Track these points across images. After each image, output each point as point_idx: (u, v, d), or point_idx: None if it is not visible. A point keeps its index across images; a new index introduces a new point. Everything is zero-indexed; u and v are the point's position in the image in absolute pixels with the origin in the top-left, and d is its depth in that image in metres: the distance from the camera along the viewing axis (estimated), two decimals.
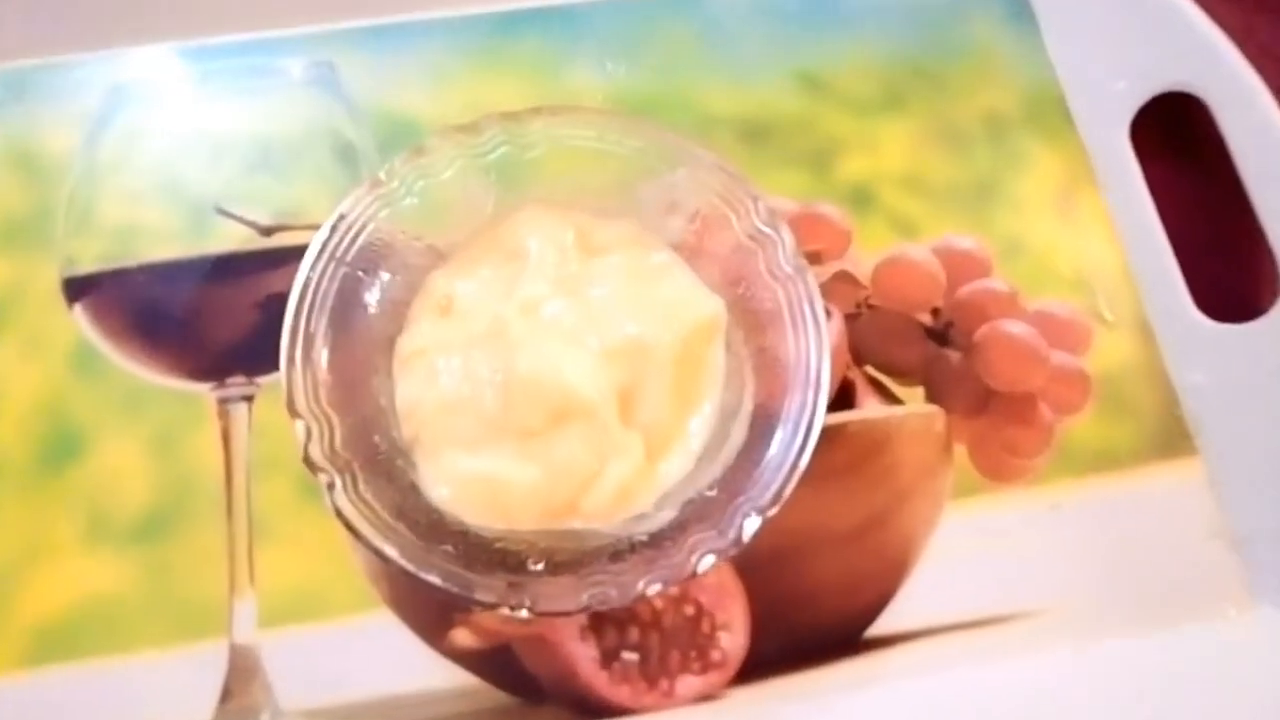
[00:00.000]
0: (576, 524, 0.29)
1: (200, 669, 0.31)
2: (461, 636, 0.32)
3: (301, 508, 0.33)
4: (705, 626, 0.32)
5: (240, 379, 0.34)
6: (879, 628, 0.33)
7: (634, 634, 0.32)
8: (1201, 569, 0.34)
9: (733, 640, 0.32)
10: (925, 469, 0.34)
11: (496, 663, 0.32)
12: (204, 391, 0.34)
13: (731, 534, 0.27)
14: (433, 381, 0.29)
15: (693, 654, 0.32)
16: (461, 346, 0.29)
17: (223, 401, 0.34)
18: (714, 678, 0.32)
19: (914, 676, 0.32)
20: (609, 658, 0.32)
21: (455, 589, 0.27)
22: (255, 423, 0.34)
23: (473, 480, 0.28)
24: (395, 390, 0.30)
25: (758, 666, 0.32)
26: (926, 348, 0.36)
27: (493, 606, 0.27)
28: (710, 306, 0.30)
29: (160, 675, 0.31)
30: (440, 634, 0.32)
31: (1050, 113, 0.39)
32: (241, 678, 0.31)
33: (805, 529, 0.33)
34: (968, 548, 0.34)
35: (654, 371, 0.29)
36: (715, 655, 0.32)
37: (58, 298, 0.35)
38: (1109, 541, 0.34)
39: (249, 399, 0.34)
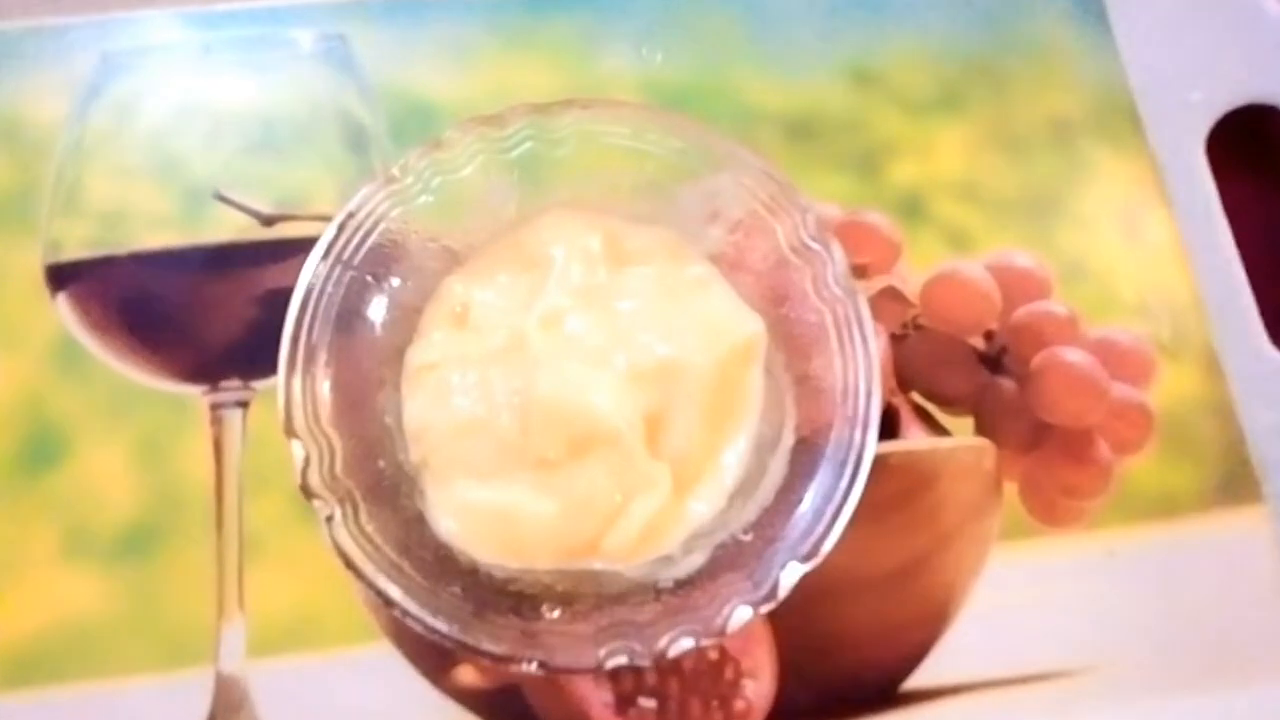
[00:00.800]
0: (597, 564, 0.27)
1: (183, 700, 0.30)
2: (466, 674, 0.31)
3: (297, 526, 0.31)
4: (729, 673, 0.31)
5: (235, 383, 0.32)
6: (917, 680, 0.32)
7: (652, 678, 0.31)
8: (1266, 626, 0.32)
9: (758, 689, 0.31)
10: (972, 508, 0.33)
11: (503, 704, 0.30)
12: (195, 395, 0.32)
13: (767, 585, 0.26)
14: (444, 400, 0.28)
15: (715, 703, 0.31)
16: (477, 362, 0.28)
17: (215, 407, 0.32)
18: None
19: None
20: (624, 703, 0.31)
21: (463, 638, 0.25)
22: (250, 431, 0.32)
23: (484, 513, 0.27)
24: (403, 408, 0.28)
25: (784, 718, 0.31)
26: (978, 375, 0.34)
27: (503, 660, 0.25)
28: (750, 326, 0.29)
29: (139, 706, 0.30)
30: (443, 670, 0.31)
31: (1120, 120, 0.37)
32: (227, 711, 0.30)
33: (840, 570, 0.29)
34: (1015, 596, 0.32)
35: (685, 397, 0.28)
36: (739, 705, 0.31)
37: (39, 286, 0.33)
38: (1167, 593, 0.33)
39: (244, 405, 0.32)
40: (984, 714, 0.31)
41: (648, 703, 0.31)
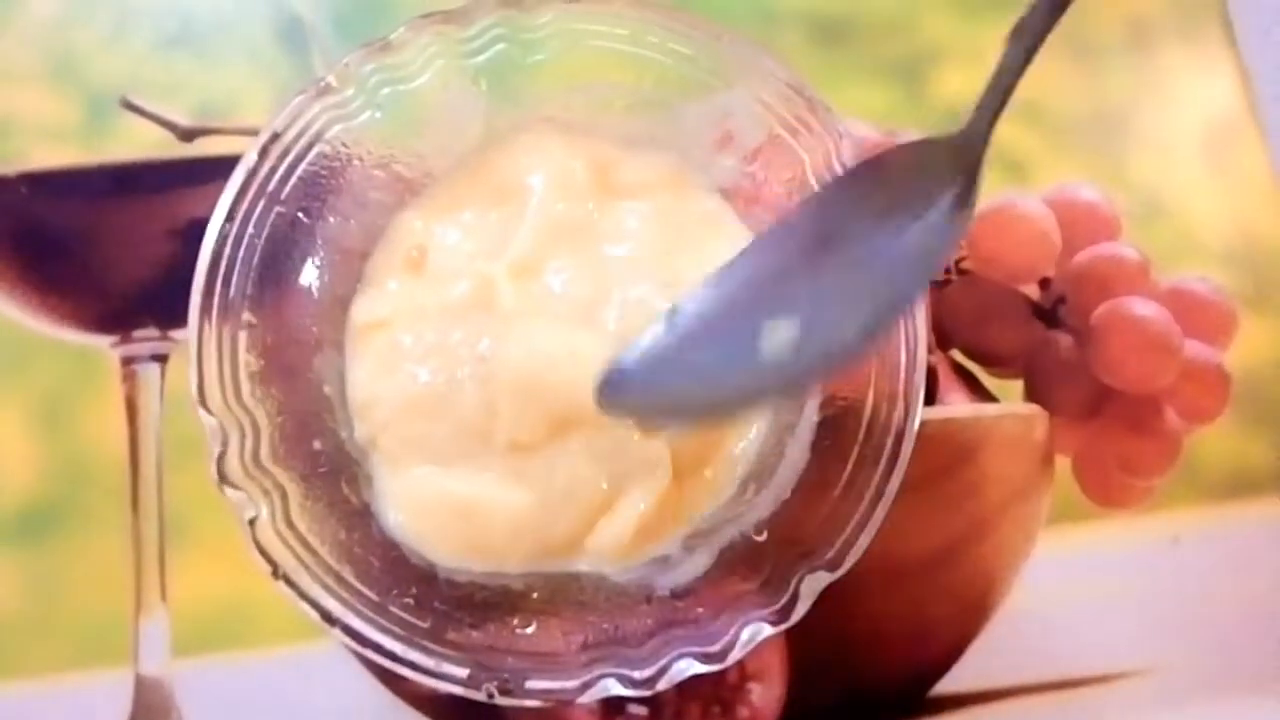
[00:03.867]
0: (580, 566, 0.25)
1: (97, 706, 0.29)
2: None
3: (226, 505, 0.28)
4: (732, 675, 0.29)
5: (151, 332, 0.31)
6: (949, 683, 0.31)
7: None
8: None
9: (766, 693, 0.29)
10: (1018, 486, 0.31)
11: (467, 709, 0.28)
12: (104, 347, 0.31)
13: (784, 596, 0.24)
14: (395, 367, 0.25)
15: (716, 709, 0.29)
16: (435, 319, 0.25)
17: (127, 361, 0.31)
18: None
19: None
20: (612, 711, 0.29)
21: (417, 659, 0.23)
22: (169, 391, 0.30)
23: (444, 505, 0.25)
24: (346, 375, 0.26)
25: None
26: (1030, 329, 0.33)
27: (466, 685, 0.23)
28: None
29: (46, 713, 0.29)
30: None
31: (1207, 23, 0.36)
32: (149, 717, 0.29)
33: (862, 558, 0.28)
34: (1064, 588, 0.31)
35: None
36: (743, 712, 0.29)
37: None
38: (1238, 586, 0.32)
39: (161, 359, 0.31)
40: None
41: (639, 710, 0.29)
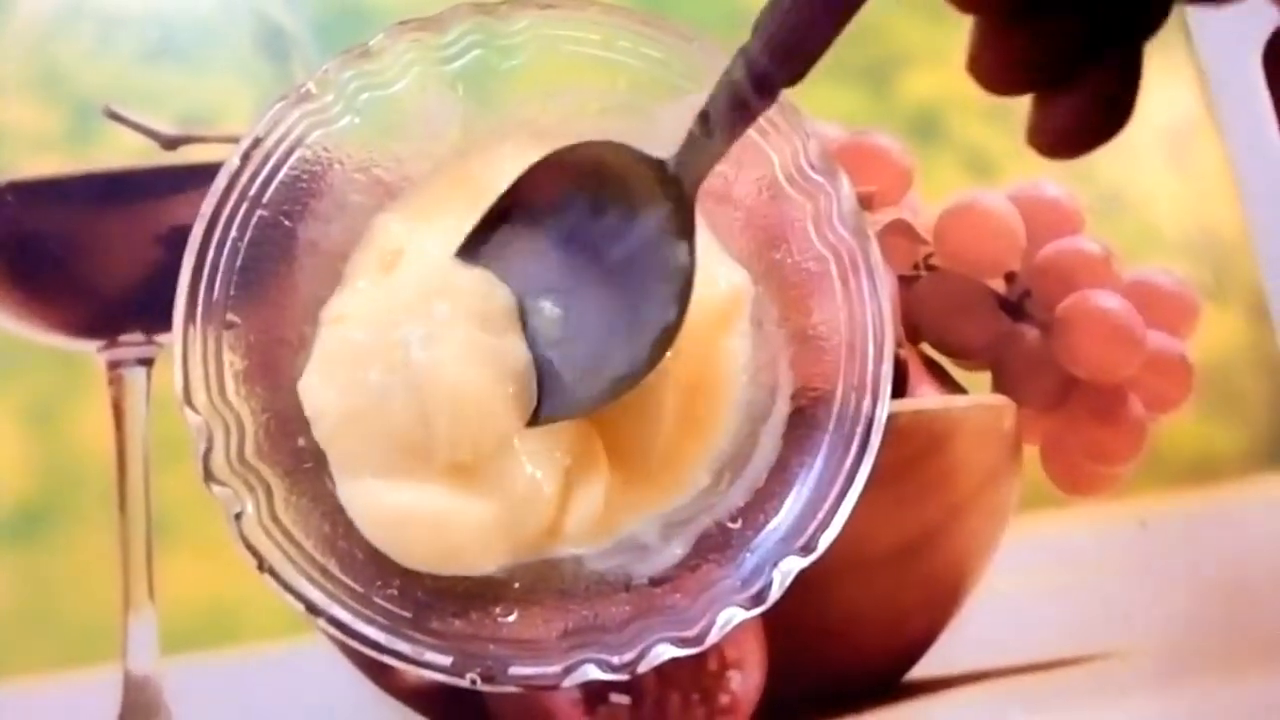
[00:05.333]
0: (559, 553, 0.25)
1: (87, 703, 0.28)
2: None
3: (212, 504, 0.28)
4: (713, 664, 0.30)
5: (137, 336, 0.30)
6: (923, 669, 0.31)
7: None
8: None
9: (745, 681, 0.30)
10: (988, 475, 0.32)
11: (452, 702, 0.29)
12: (91, 352, 0.31)
13: (759, 582, 0.24)
14: (341, 370, 0.24)
15: (696, 697, 0.30)
16: (383, 318, 0.24)
17: (114, 365, 0.31)
18: None
19: None
20: (594, 700, 0.29)
21: (401, 648, 0.23)
22: (155, 393, 0.30)
23: (404, 519, 0.24)
24: (303, 375, 0.25)
25: (775, 713, 0.30)
26: (997, 322, 0.33)
27: (449, 673, 0.23)
28: (729, 283, 0.26)
29: (36, 710, 0.28)
30: (385, 666, 0.27)
31: (1168, 29, 0.33)
32: (138, 714, 0.28)
33: (837, 547, 0.28)
34: (1034, 574, 0.31)
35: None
36: (724, 699, 0.30)
37: None
38: (1206, 568, 0.32)
39: (147, 363, 0.31)
40: (997, 706, 0.30)
41: (620, 699, 0.29)
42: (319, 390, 0.24)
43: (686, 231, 0.23)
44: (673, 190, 0.23)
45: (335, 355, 0.24)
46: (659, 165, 0.23)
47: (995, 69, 0.20)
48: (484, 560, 0.24)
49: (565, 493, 0.25)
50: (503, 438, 0.23)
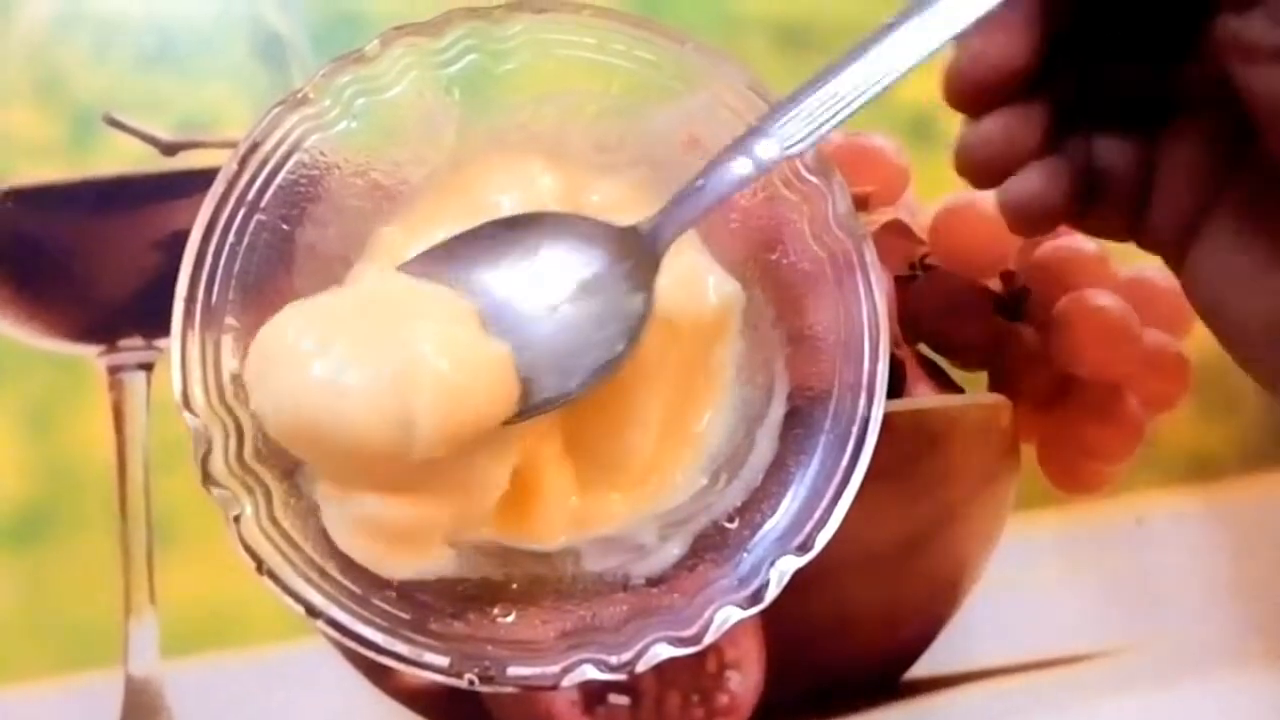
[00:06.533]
0: (549, 547, 0.25)
1: (88, 707, 0.28)
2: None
3: (213, 507, 0.28)
4: (711, 664, 0.30)
5: (136, 341, 0.31)
6: (922, 668, 0.31)
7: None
8: None
9: (744, 681, 0.30)
10: (985, 474, 0.32)
11: (452, 703, 0.29)
12: (91, 357, 0.31)
13: (756, 581, 0.24)
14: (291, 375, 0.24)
15: (695, 697, 0.30)
16: (339, 331, 0.23)
17: (114, 370, 0.31)
18: None
19: None
20: (592, 700, 0.29)
21: (400, 650, 0.23)
22: (155, 398, 0.30)
23: (364, 527, 0.24)
24: None
25: (774, 713, 0.30)
26: (993, 322, 0.33)
27: (447, 674, 0.23)
28: (719, 294, 0.26)
29: (37, 715, 0.28)
30: (385, 668, 0.27)
31: None
32: (140, 718, 0.28)
33: (835, 546, 0.29)
34: (1032, 572, 0.31)
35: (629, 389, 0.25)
36: (723, 699, 0.30)
37: None
38: (1205, 565, 0.32)
39: (147, 367, 0.31)
40: (996, 704, 0.30)
41: (620, 699, 0.30)
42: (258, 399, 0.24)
43: (647, 284, 0.24)
44: (639, 246, 0.24)
45: (284, 359, 0.23)
46: (630, 231, 0.24)
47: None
48: (469, 564, 0.24)
49: (526, 489, 0.24)
50: (483, 433, 0.23)
